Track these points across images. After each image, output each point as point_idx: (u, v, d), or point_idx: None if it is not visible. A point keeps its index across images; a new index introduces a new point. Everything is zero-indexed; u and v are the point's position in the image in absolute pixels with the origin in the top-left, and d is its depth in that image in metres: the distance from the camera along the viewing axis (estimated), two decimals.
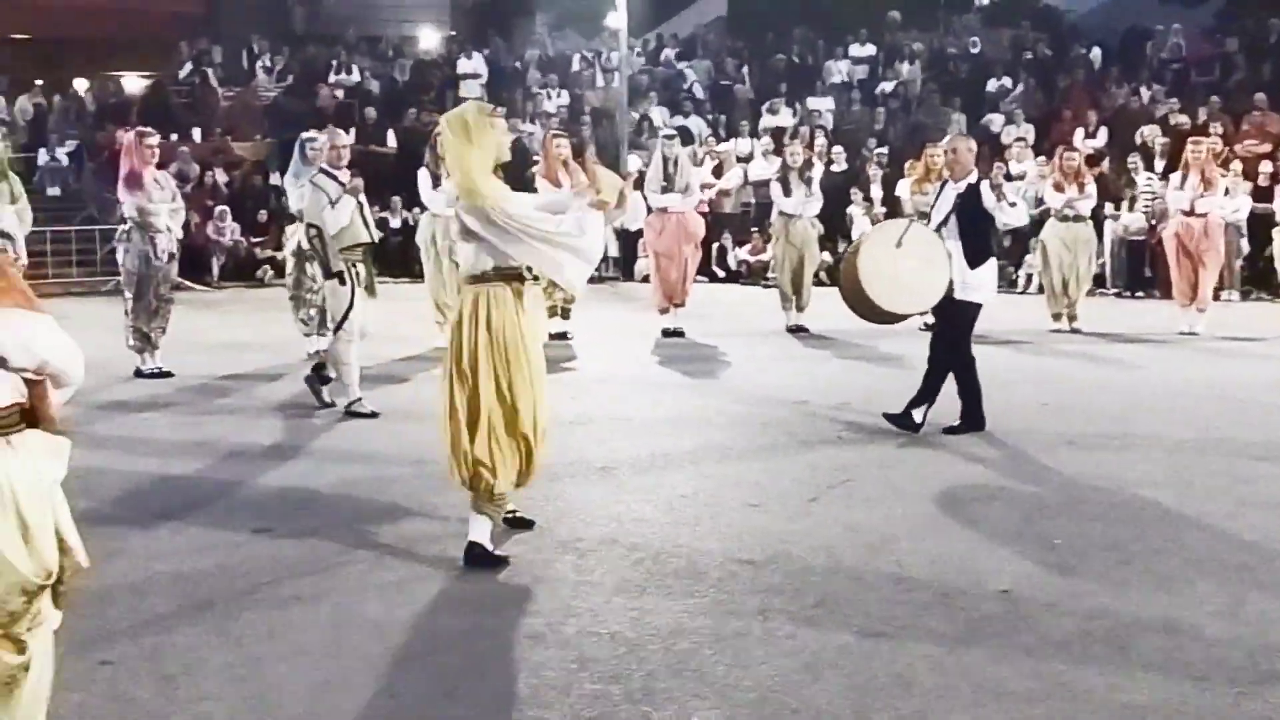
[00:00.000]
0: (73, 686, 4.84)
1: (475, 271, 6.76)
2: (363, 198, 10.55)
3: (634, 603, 6.18)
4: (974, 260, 9.54)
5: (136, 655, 5.57)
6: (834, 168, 22.31)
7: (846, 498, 8.09)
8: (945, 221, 9.61)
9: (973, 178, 9.72)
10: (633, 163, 23.59)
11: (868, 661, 5.48)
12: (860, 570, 6.67)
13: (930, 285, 9.39)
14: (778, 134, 23.62)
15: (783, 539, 7.17)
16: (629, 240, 21.54)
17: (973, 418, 9.70)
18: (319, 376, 10.80)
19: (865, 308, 9.51)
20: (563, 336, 14.22)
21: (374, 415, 10.33)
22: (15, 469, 3.66)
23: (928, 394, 9.68)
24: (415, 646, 5.67)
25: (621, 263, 22.76)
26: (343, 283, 10.34)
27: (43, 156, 24.29)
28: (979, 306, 9.69)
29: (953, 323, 9.66)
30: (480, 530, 6.81)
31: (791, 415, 10.25)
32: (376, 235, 10.87)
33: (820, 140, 23.42)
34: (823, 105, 26.28)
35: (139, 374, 12.21)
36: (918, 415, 9.67)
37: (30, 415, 3.75)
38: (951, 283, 9.45)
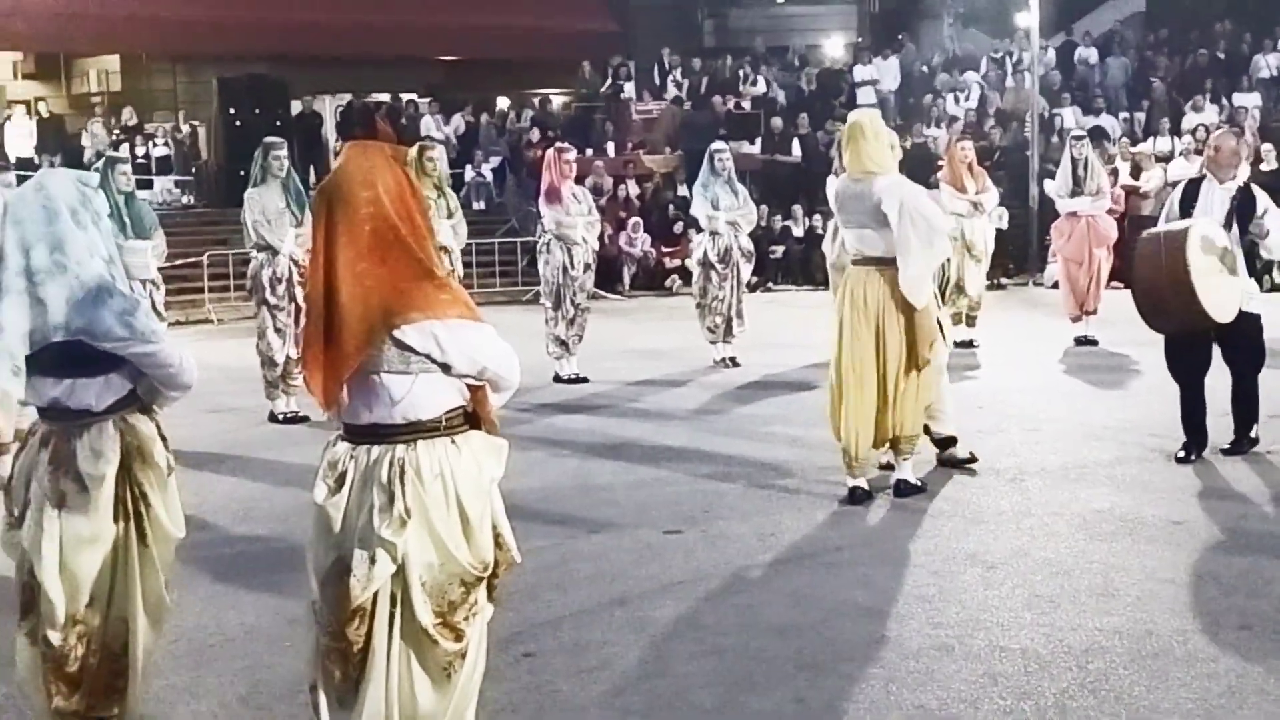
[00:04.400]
0: (498, 677, 5.11)
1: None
2: None
3: (1045, 618, 6.05)
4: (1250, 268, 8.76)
5: (556, 649, 5.85)
6: (1263, 167, 21.07)
7: (1277, 517, 7.66)
8: (1226, 225, 8.67)
9: (1242, 178, 8.94)
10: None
11: None
12: None
13: (1236, 292, 8.58)
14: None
15: (1207, 559, 6.86)
16: (1009, 239, 20.76)
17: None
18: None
19: (1180, 313, 8.49)
20: (969, 344, 13.99)
21: (971, 460, 8.85)
22: (459, 467, 3.92)
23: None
24: (825, 654, 5.73)
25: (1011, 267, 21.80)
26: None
27: (469, 173, 25.62)
28: (1260, 318, 8.83)
29: (1249, 338, 8.81)
30: (905, 469, 8.15)
31: (1217, 429, 9.73)
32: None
33: (1247, 138, 22.16)
34: (1249, 101, 24.87)
35: (557, 379, 12.73)
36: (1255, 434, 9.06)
37: (472, 418, 4.01)
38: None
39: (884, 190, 7.75)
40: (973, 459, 8.77)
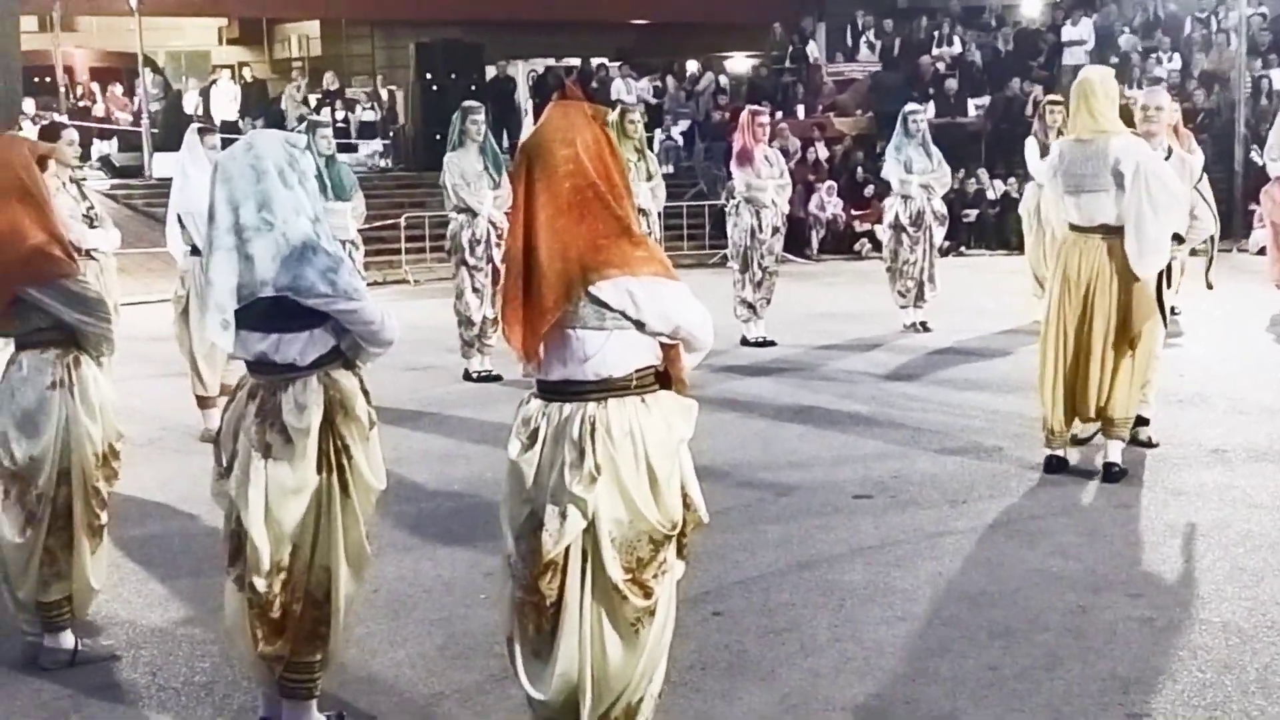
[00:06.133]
0: (688, 635, 5.13)
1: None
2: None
3: (1248, 592, 5.87)
4: None
5: (746, 609, 5.86)
6: None
7: None
8: None
9: None
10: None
11: None
12: None
13: None
14: None
15: None
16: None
17: None
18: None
19: None
20: (1170, 311, 13.55)
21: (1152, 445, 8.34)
22: (648, 425, 3.94)
23: None
24: (1014, 621, 5.64)
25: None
26: None
27: (658, 136, 25.66)
28: None
29: None
30: (1114, 451, 7.68)
31: None
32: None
33: None
34: None
35: (744, 342, 12.71)
36: None
37: (663, 378, 4.03)
38: None
39: (1121, 150, 7.32)
40: (1152, 444, 8.31)
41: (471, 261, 11.00)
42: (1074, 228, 7.60)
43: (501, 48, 27.87)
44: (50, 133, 9.21)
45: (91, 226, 8.85)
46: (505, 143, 20.84)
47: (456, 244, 11.11)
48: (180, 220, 9.19)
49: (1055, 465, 7.84)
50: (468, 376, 11.23)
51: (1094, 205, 7.43)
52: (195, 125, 10.27)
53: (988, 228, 21.95)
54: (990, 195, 22.21)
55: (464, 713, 4.94)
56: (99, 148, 25.99)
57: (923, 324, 13.35)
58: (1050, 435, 7.81)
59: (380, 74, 30.44)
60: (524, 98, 27.35)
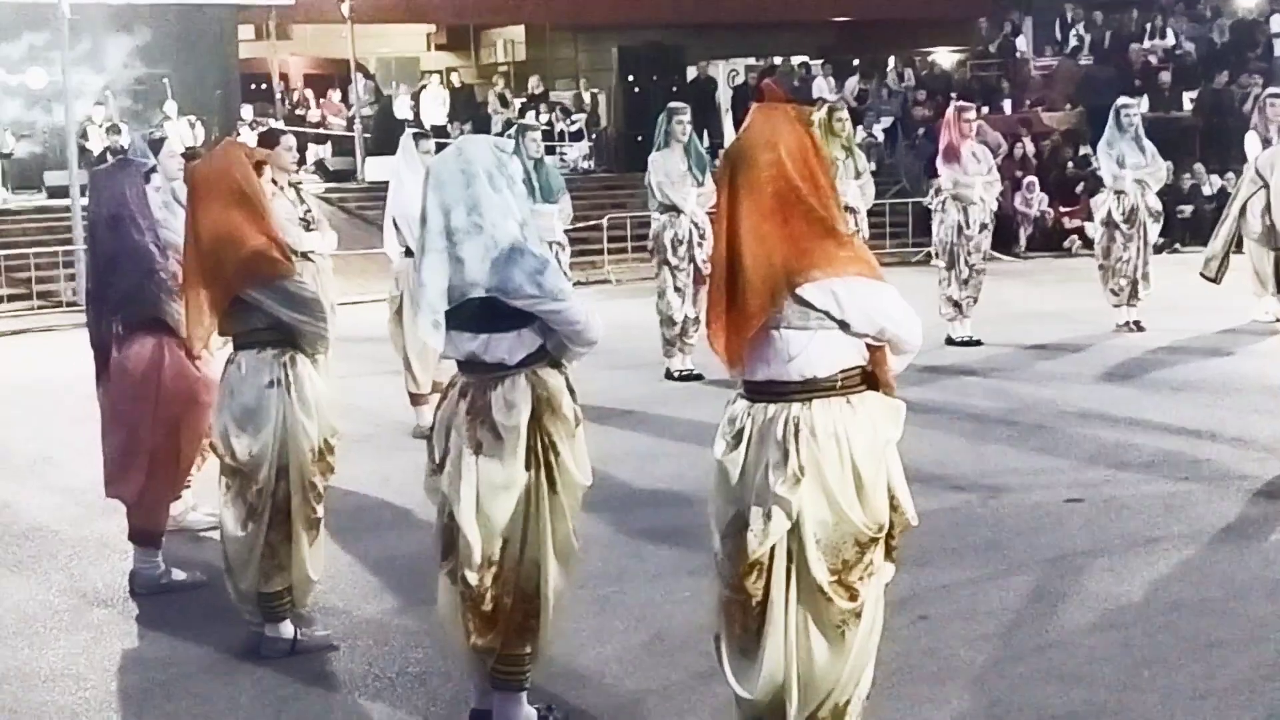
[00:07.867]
0: (894, 638, 5.07)
1: None
2: None
3: None
4: None
5: (952, 614, 5.79)
6: None
7: None
8: None
9: None
10: None
11: None
12: None
13: None
14: None
15: None
16: None
17: None
18: None
19: None
20: None
21: None
22: (854, 426, 3.91)
23: None
24: (1230, 630, 5.48)
25: None
26: None
27: (860, 133, 25.42)
28: None
29: None
30: None
31: None
32: None
33: None
34: None
35: (950, 341, 12.53)
36: None
37: (870, 378, 4.00)
38: None
39: None
40: None
41: (673, 261, 11.09)
42: None
43: (702, 49, 27.98)
44: (268, 139, 9.50)
45: (308, 229, 9.10)
46: (705, 143, 20.89)
47: (659, 243, 11.20)
48: (395, 223, 9.43)
49: None
50: (669, 375, 11.29)
51: None
52: (410, 130, 10.49)
53: (1204, 224, 21.21)
54: (1206, 191, 21.51)
55: (668, 709, 4.98)
56: (314, 152, 26.77)
57: (1136, 323, 12.99)
58: None
59: (583, 77, 30.81)
60: (724, 98, 27.39)
